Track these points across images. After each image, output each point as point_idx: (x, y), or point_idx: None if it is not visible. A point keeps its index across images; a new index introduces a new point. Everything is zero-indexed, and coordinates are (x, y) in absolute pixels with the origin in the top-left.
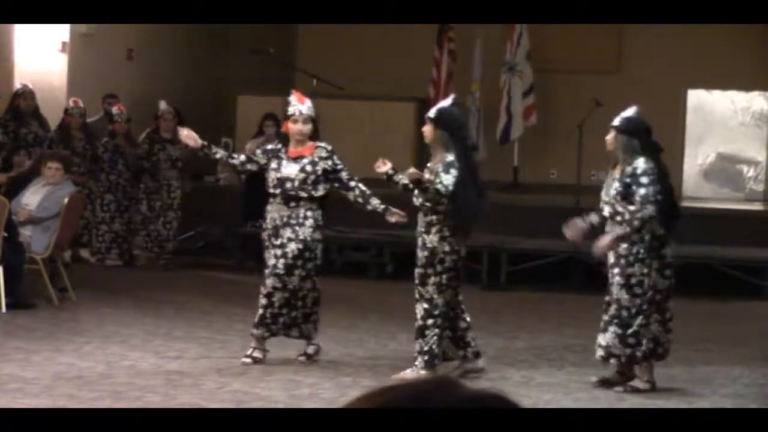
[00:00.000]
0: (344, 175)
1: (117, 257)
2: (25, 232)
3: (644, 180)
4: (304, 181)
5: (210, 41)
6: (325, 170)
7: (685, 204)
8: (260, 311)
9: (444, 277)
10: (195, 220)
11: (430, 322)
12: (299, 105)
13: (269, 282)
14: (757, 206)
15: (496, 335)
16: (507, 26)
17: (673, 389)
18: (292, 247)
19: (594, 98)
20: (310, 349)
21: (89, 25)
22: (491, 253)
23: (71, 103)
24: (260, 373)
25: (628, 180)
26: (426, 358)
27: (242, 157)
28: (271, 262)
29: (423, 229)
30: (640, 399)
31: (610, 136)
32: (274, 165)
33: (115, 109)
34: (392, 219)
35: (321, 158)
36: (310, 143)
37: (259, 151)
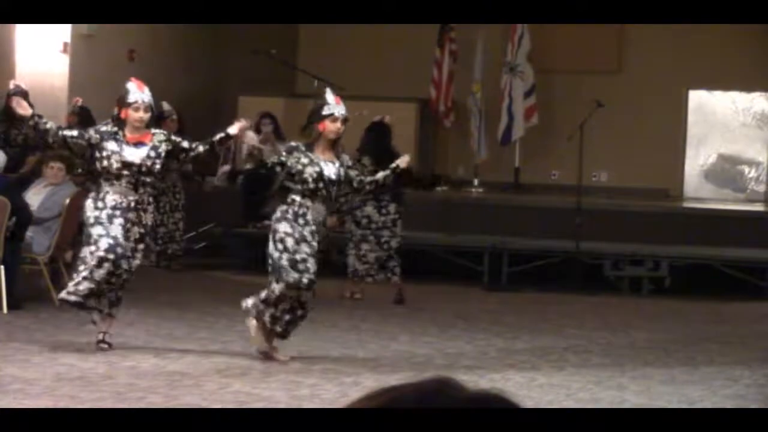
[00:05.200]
0: (185, 143)
1: None
2: (27, 233)
3: None
4: (150, 167)
5: (211, 41)
6: (167, 151)
7: (686, 204)
8: (88, 284)
9: None
10: (196, 221)
11: None
12: (140, 93)
13: (125, 262)
14: (758, 207)
15: (497, 336)
16: (508, 27)
17: (673, 389)
18: (135, 231)
19: (595, 99)
20: (109, 337)
21: (90, 26)
22: (492, 253)
23: (75, 104)
24: (261, 373)
25: None
26: None
27: (74, 132)
28: (122, 242)
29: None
30: (641, 399)
31: None
32: (114, 147)
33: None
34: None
35: (161, 141)
36: (146, 130)
37: (92, 131)
